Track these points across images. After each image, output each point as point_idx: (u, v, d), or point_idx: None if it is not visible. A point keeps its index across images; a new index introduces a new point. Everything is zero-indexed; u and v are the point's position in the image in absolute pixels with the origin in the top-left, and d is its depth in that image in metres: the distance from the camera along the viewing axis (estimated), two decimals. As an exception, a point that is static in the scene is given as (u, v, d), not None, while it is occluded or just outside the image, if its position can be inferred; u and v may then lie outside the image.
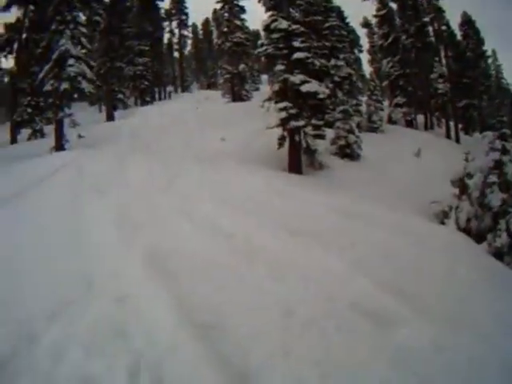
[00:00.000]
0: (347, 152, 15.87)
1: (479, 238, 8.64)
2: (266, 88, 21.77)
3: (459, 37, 33.18)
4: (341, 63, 21.23)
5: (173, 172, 11.02)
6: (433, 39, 28.61)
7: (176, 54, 48.49)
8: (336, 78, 20.28)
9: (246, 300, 4.76)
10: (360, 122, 20.82)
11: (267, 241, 6.59)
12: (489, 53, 38.73)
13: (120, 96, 32.41)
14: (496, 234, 8.41)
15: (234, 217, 7.65)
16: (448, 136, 26.39)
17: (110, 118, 27.00)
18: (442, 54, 28.54)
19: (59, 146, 16.47)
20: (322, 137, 14.43)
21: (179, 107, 22.93)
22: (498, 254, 8.17)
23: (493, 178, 8.96)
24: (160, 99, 38.39)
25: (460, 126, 27.92)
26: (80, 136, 18.39)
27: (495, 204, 8.71)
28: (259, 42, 14.92)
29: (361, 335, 4.39)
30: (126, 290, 4.75)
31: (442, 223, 9.29)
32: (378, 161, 15.70)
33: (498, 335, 4.95)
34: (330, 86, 17.39)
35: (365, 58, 58.48)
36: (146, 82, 35.31)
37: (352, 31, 30.42)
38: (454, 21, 33.71)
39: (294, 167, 13.70)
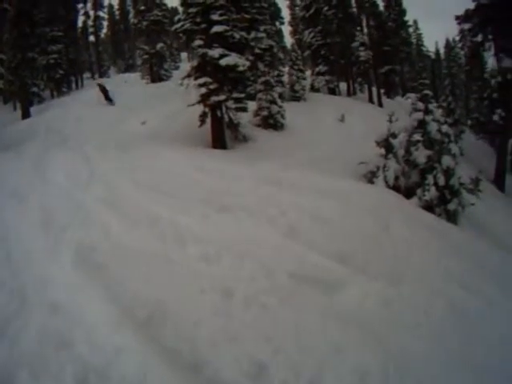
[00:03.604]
0: (271, 122, 15.73)
1: (408, 193, 8.87)
2: (186, 66, 21.23)
3: (381, 7, 33.81)
4: (262, 35, 21.00)
5: (93, 163, 10.46)
6: (355, 10, 28.99)
7: (92, 38, 46.00)
8: (257, 50, 20.09)
9: (182, 287, 4.60)
10: (283, 93, 20.73)
11: (195, 221, 6.41)
12: (410, 23, 40.07)
13: (34, 89, 30.25)
14: (424, 188, 8.64)
15: (159, 201, 7.35)
16: (371, 100, 27.04)
17: (26, 114, 25.04)
18: (364, 23, 29.06)
19: (-30, 153, 15.07)
20: (244, 109, 14.18)
21: (97, 94, 21.90)
22: (429, 207, 8.44)
23: (417, 137, 9.17)
24: (77, 88, 36.30)
25: (382, 90, 28.74)
26: None
27: (421, 161, 8.93)
28: (176, 18, 14.26)
29: (306, 304, 4.36)
30: (60, 295, 4.46)
31: (371, 183, 9.41)
32: (302, 128, 15.75)
33: (438, 282, 5.13)
34: (251, 58, 17.10)
35: (286, 29, 58.73)
36: (62, 71, 33.18)
37: (273, 3, 30.09)
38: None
39: (218, 142, 13.40)
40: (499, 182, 16.01)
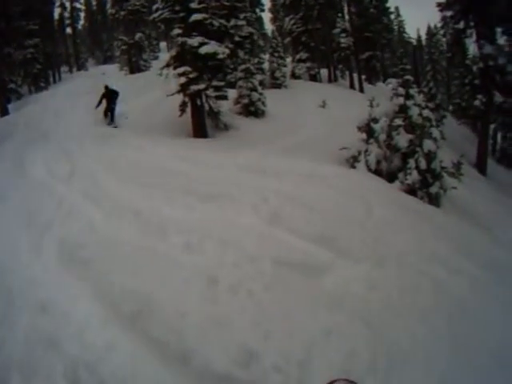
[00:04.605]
0: (251, 110, 15.62)
1: (390, 177, 8.92)
2: (165, 55, 20.99)
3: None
4: (241, 23, 20.89)
5: (74, 158, 10.28)
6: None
7: (69, 30, 45.12)
8: (237, 38, 19.97)
9: (167, 278, 4.57)
10: (263, 80, 20.77)
11: (177, 211, 6.37)
12: (392, 9, 40.13)
13: (12, 86, 29.56)
14: (406, 172, 8.68)
15: (141, 192, 7.28)
16: (352, 86, 27.15)
17: (4, 112, 24.43)
18: (346, 10, 29.00)
19: None
20: (224, 97, 14.06)
21: (74, 87, 21.51)
22: (411, 191, 8.50)
23: (398, 121, 9.20)
24: (55, 82, 35.60)
25: (363, 76, 28.81)
26: None
27: (403, 145, 8.96)
28: (154, 7, 14.04)
29: (292, 289, 4.37)
30: (47, 294, 4.41)
31: (353, 167, 9.43)
32: (283, 115, 15.69)
33: (423, 264, 5.18)
34: (231, 46, 16.99)
35: (267, 16, 58.41)
36: (39, 66, 32.48)
37: (253, -10, 29.86)
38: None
39: (199, 131, 13.31)
40: (481, 166, 16.24)
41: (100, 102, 14.83)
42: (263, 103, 15.92)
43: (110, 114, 14.78)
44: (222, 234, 5.48)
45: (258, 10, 30.45)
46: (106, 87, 15.12)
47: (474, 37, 16.03)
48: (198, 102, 13.23)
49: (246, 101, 15.69)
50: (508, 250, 6.87)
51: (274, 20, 44.86)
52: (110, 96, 14.80)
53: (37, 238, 5.92)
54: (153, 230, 5.77)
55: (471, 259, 5.66)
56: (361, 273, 4.73)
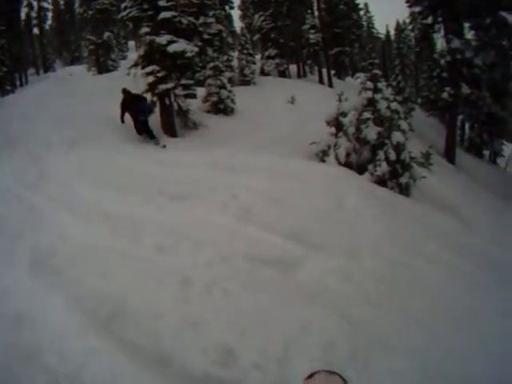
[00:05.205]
0: (221, 107, 15.48)
1: (361, 169, 9.02)
2: (133, 55, 20.64)
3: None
4: (210, 20, 20.68)
5: (43, 163, 9.97)
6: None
7: (36, 31, 43.91)
8: (206, 36, 19.79)
9: (140, 280, 4.54)
10: (232, 77, 20.65)
11: (148, 213, 6.32)
12: (361, 6, 40.51)
13: (-23, 90, 28.70)
14: (376, 164, 8.80)
15: (111, 196, 7.18)
16: (321, 81, 27.22)
17: (-30, 118, 23.65)
18: (315, 6, 29.10)
19: None
20: (193, 96, 13.95)
21: (42, 90, 20.93)
22: (382, 182, 8.63)
23: (367, 115, 9.31)
24: (21, 85, 34.70)
25: (332, 71, 28.99)
26: None
27: (372, 137, 9.08)
28: (122, 5, 13.83)
29: (268, 285, 4.38)
30: (23, 305, 4.30)
31: (323, 161, 9.48)
32: (253, 112, 15.59)
33: (396, 253, 5.25)
34: (200, 44, 16.84)
35: (236, 13, 58.15)
36: (5, 68, 31.59)
37: (222, -12, 29.67)
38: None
39: (168, 131, 13.10)
40: (449, 156, 16.54)
41: (123, 114, 11.53)
42: (232, 101, 15.79)
43: (143, 129, 11.48)
44: (194, 234, 5.46)
45: (227, 8, 30.28)
46: (126, 91, 11.77)
47: (442, 31, 16.25)
48: (167, 101, 13.07)
49: (215, 99, 15.52)
50: (479, 237, 7.06)
51: (243, 17, 44.64)
52: (131, 103, 11.49)
53: (6, 246, 5.76)
54: (125, 233, 5.72)
55: (445, 246, 5.79)
56: (336, 266, 4.77)
